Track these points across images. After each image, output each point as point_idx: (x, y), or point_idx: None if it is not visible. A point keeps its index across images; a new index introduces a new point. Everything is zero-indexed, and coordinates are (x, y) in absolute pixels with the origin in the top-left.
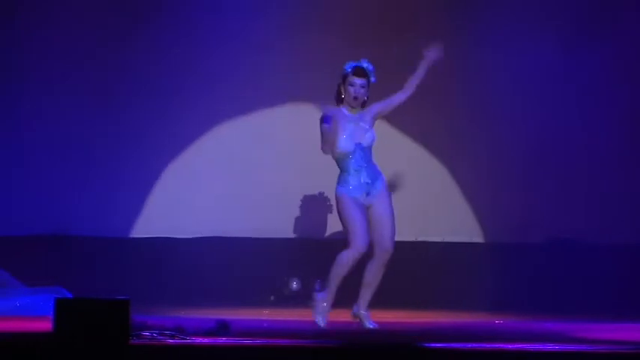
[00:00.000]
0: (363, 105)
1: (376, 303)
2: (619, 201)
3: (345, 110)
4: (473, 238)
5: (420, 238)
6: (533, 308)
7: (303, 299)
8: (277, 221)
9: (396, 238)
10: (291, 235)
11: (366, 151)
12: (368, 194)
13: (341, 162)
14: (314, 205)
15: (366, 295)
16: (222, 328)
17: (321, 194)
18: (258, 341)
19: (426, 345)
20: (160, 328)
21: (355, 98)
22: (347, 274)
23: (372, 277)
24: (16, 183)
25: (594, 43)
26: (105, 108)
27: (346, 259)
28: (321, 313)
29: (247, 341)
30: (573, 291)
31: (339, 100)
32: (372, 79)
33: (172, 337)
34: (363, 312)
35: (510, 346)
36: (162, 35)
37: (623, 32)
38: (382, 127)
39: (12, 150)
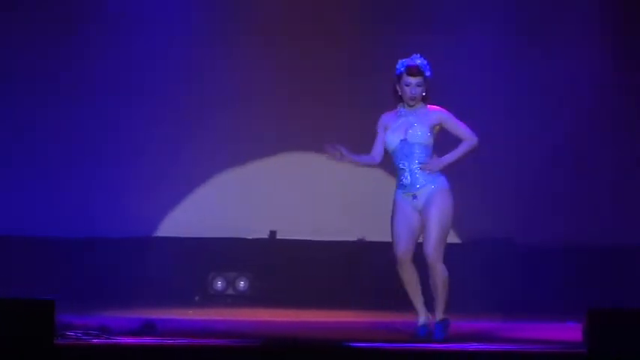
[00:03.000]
0: (425, 100)
1: (303, 303)
2: (551, 202)
3: (402, 109)
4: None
5: (341, 238)
6: (462, 308)
7: (228, 299)
8: (206, 220)
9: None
10: (216, 234)
11: (412, 149)
12: (415, 197)
13: (391, 160)
14: (239, 204)
15: (435, 303)
16: (148, 328)
17: (246, 192)
18: (183, 341)
19: (352, 345)
20: (85, 328)
21: (412, 98)
22: (405, 281)
23: (432, 284)
24: None
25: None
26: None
27: (397, 268)
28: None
29: (172, 341)
30: (504, 291)
31: (397, 99)
32: (428, 73)
33: (97, 337)
34: (434, 320)
35: (438, 347)
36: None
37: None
38: None
39: None
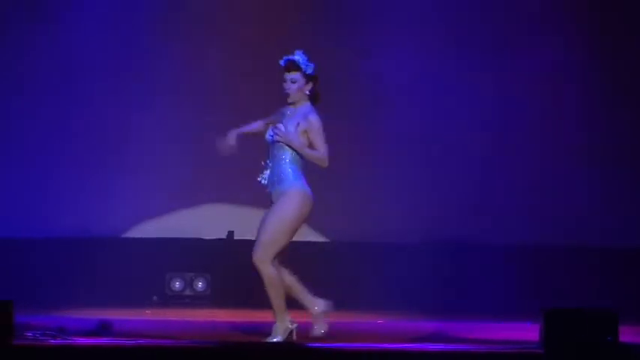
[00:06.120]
0: (316, 99)
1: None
2: (510, 202)
3: (287, 107)
4: (367, 238)
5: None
6: (418, 307)
7: (186, 299)
8: (163, 221)
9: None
10: (176, 234)
11: (277, 148)
12: (271, 197)
13: None
14: (196, 205)
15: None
16: (104, 328)
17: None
18: (140, 341)
19: (308, 345)
20: (42, 329)
21: (286, 95)
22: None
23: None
24: None
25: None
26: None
27: None
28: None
29: (129, 342)
30: (460, 290)
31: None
32: (308, 70)
33: (55, 337)
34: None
35: (392, 346)
36: None
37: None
38: None
39: None
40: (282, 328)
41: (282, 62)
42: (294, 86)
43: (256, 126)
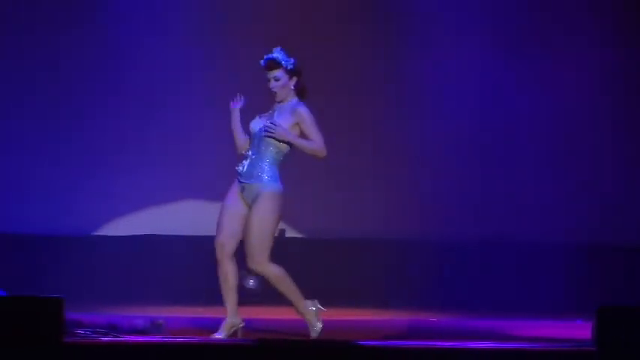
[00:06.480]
0: (303, 94)
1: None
2: (563, 200)
3: (276, 104)
4: (413, 235)
5: (358, 236)
6: (470, 306)
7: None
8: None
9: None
10: None
11: (261, 141)
12: (243, 190)
13: None
14: None
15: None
16: (156, 326)
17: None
18: (192, 339)
19: (362, 343)
20: (93, 327)
21: (272, 93)
22: (220, 278)
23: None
24: None
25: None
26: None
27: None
28: None
29: (180, 339)
30: (512, 289)
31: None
32: (288, 65)
33: (106, 335)
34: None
35: (444, 344)
36: None
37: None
38: None
39: None
40: (309, 315)
41: (262, 62)
42: (279, 84)
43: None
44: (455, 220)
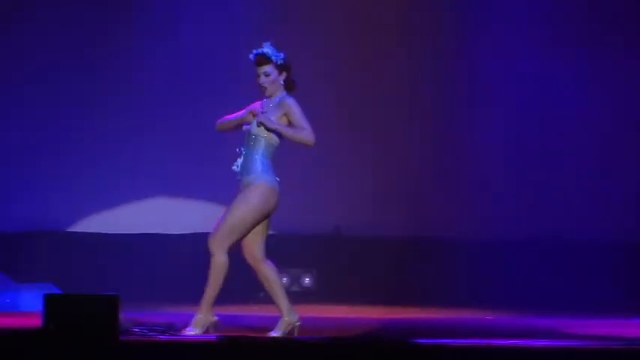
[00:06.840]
0: (291, 87)
1: (363, 300)
2: (614, 199)
3: (265, 99)
4: (462, 234)
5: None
6: (524, 305)
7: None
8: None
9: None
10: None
11: (250, 138)
12: (241, 187)
13: None
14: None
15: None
16: (212, 324)
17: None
18: (249, 336)
19: (418, 341)
20: (150, 325)
21: (262, 89)
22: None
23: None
24: (3, 180)
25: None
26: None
27: None
28: None
29: (238, 336)
30: (565, 288)
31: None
32: (279, 61)
33: (163, 333)
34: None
35: (502, 343)
36: None
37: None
38: None
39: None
40: (201, 319)
41: (251, 57)
42: (269, 79)
43: (240, 116)
44: (510, 219)
